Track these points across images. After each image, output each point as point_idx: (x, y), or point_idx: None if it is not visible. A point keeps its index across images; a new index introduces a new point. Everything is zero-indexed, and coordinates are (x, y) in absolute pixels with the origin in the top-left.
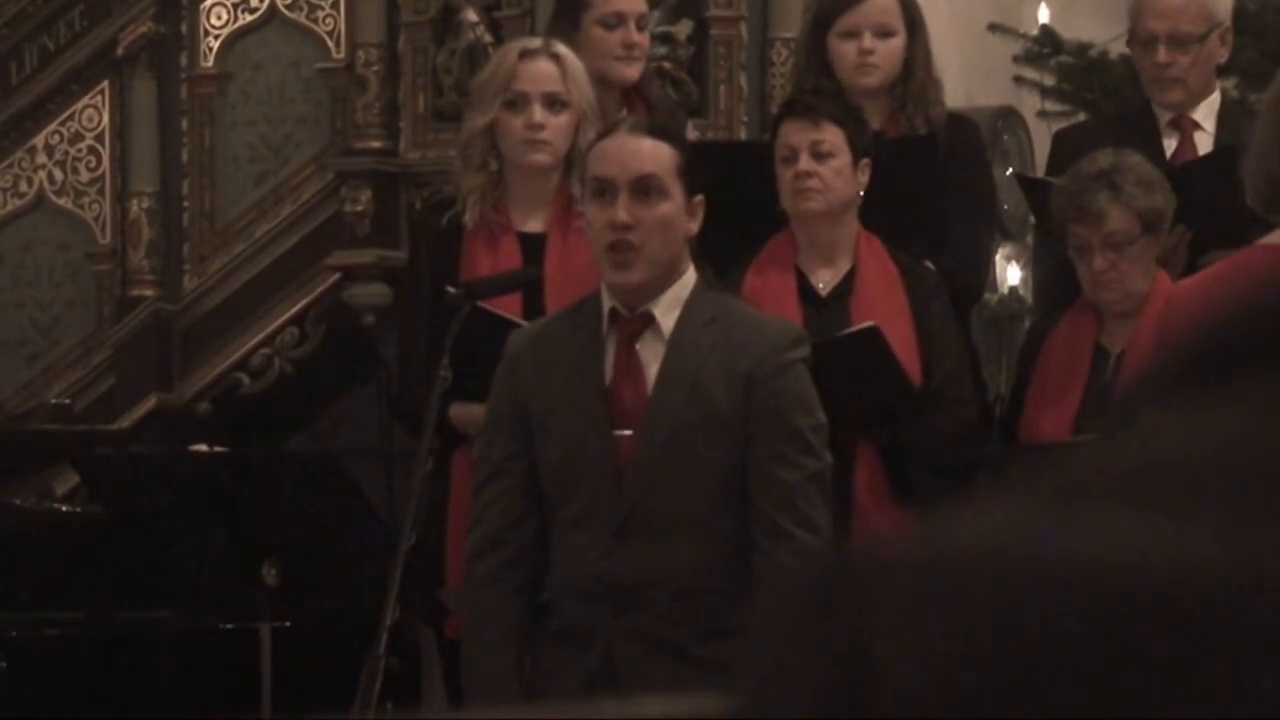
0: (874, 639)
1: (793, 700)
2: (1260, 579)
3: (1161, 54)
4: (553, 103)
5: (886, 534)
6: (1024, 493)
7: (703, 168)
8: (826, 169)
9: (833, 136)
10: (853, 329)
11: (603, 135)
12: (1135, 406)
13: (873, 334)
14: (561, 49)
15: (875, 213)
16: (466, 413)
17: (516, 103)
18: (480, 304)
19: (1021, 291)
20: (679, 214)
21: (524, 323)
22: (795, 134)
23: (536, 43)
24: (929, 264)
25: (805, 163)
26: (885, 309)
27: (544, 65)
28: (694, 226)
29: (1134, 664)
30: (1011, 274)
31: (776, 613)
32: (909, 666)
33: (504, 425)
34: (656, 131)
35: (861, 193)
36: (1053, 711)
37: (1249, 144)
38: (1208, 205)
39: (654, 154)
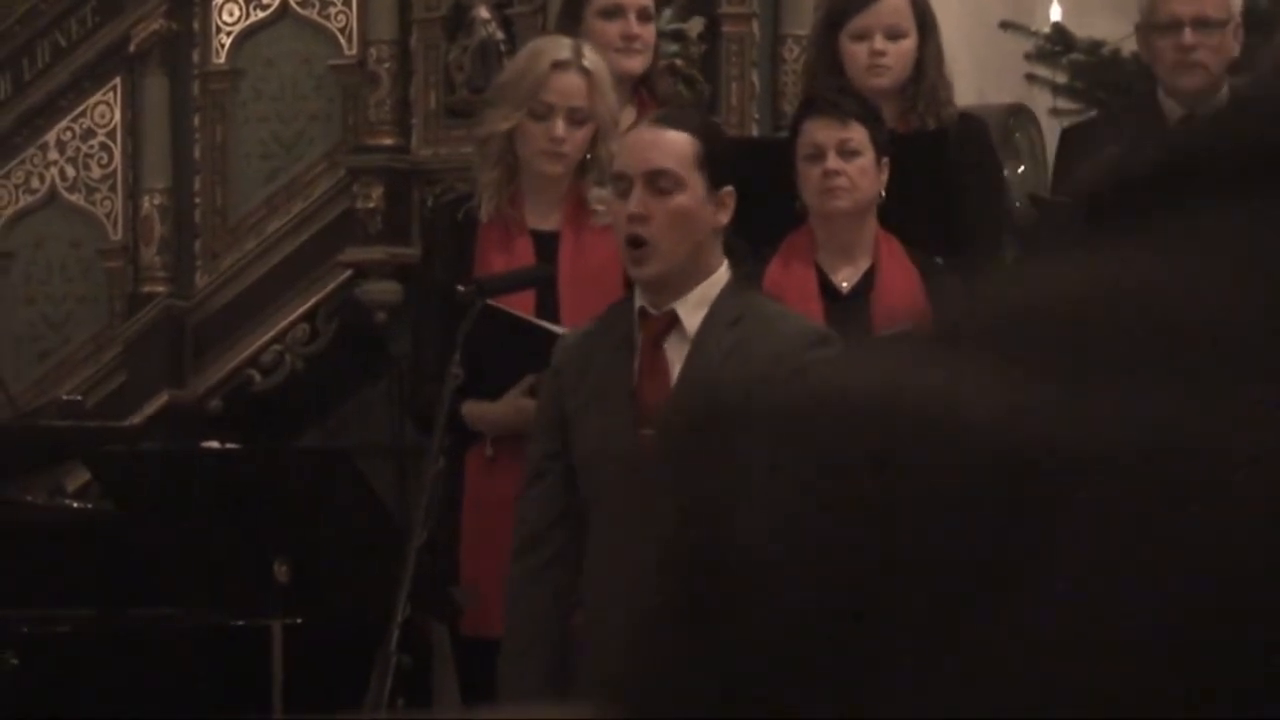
0: (726, 490)
1: (639, 559)
2: (1108, 446)
3: (1188, 35)
4: (576, 116)
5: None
6: (906, 339)
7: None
8: (853, 167)
9: (859, 135)
10: (890, 331)
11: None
12: (1038, 244)
13: None
14: (591, 62)
15: (885, 208)
16: (479, 411)
17: (541, 112)
18: (492, 302)
19: None
20: (698, 206)
21: (536, 320)
22: (821, 132)
23: (567, 53)
24: (939, 260)
25: (833, 161)
26: (906, 307)
27: (574, 79)
28: (723, 218)
29: (977, 524)
30: None
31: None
32: (758, 523)
33: (546, 426)
34: (678, 122)
35: (883, 191)
36: (910, 574)
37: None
38: None
39: (668, 147)
